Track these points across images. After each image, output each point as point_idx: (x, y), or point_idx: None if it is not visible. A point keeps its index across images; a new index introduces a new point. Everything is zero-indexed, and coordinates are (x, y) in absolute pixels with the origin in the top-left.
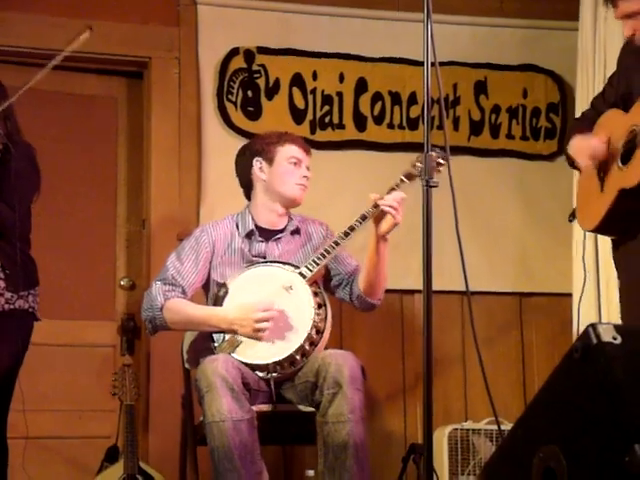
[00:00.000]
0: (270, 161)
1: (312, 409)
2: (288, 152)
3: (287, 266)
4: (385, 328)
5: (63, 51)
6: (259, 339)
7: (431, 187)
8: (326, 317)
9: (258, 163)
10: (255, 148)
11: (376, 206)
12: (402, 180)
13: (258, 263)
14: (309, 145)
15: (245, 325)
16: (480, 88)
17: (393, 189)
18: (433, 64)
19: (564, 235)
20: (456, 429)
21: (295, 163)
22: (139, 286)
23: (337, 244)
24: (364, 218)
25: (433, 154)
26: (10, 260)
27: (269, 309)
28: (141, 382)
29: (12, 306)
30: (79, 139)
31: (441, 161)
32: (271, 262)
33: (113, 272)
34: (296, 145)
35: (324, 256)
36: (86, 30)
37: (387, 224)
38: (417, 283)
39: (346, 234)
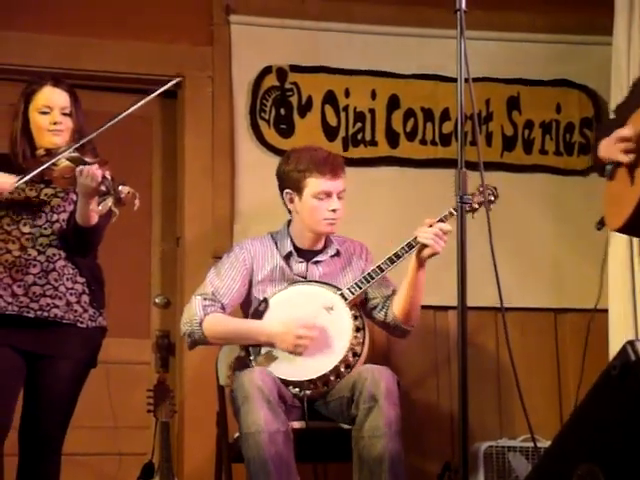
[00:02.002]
0: (299, 192)
1: (346, 426)
2: (315, 187)
3: (328, 286)
4: (418, 344)
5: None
6: (297, 354)
7: (465, 204)
8: (364, 341)
9: (288, 195)
10: (286, 175)
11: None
12: (451, 213)
13: (300, 281)
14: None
15: (286, 340)
16: (513, 104)
17: (441, 220)
18: (467, 80)
19: (598, 250)
20: (491, 446)
21: (322, 198)
22: (174, 304)
23: (381, 270)
24: (410, 247)
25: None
26: (93, 277)
27: (311, 327)
28: (175, 399)
29: (95, 323)
30: (114, 158)
31: (492, 198)
32: (314, 281)
33: (148, 290)
34: (323, 177)
35: (367, 280)
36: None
37: (425, 251)
38: (450, 299)
39: (391, 261)
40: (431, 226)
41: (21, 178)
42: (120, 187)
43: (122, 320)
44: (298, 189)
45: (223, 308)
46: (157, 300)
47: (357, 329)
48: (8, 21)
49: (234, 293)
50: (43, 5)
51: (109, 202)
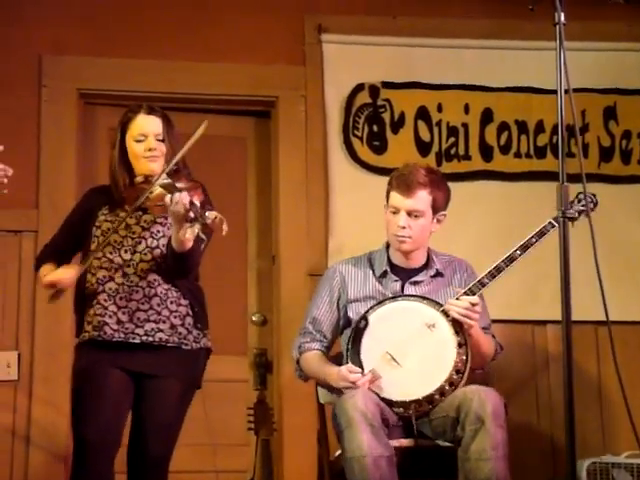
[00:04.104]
0: (387, 205)
1: (450, 444)
2: (390, 201)
3: (429, 302)
4: (516, 360)
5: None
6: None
7: (567, 218)
8: (467, 357)
9: (385, 209)
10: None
11: (526, 247)
12: (551, 224)
13: (400, 296)
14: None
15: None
16: (609, 114)
17: (543, 233)
18: (566, 92)
19: None
20: (594, 463)
21: (394, 213)
22: (270, 321)
23: (483, 285)
24: (512, 260)
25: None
26: (196, 299)
27: (354, 372)
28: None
29: (199, 345)
30: (210, 178)
31: (592, 206)
32: (414, 296)
33: (245, 308)
34: (397, 191)
35: (468, 296)
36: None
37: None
38: (548, 313)
39: (492, 275)
40: (458, 298)
41: (83, 262)
42: (207, 213)
43: (220, 338)
44: (387, 201)
45: (324, 337)
46: (254, 318)
47: (459, 345)
48: (106, 48)
49: (331, 318)
50: (139, 31)
51: (196, 228)
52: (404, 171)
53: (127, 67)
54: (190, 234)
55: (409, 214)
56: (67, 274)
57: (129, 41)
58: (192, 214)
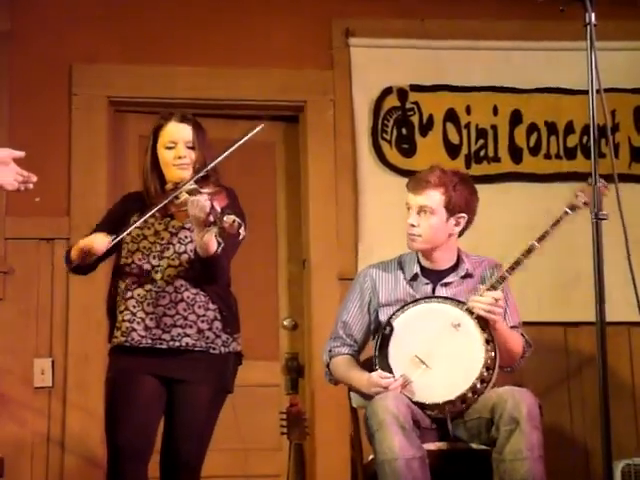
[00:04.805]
0: None
1: (485, 447)
2: (406, 200)
3: (452, 302)
4: (549, 362)
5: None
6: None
7: (600, 220)
8: (495, 354)
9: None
10: None
11: (541, 238)
12: (566, 212)
13: (422, 299)
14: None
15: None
16: None
17: (558, 221)
18: (597, 92)
19: None
20: (629, 464)
21: (408, 209)
22: (301, 326)
23: (504, 279)
24: (530, 251)
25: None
26: (225, 303)
27: (385, 377)
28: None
29: (228, 349)
30: (240, 183)
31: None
32: (436, 297)
33: (276, 312)
34: (411, 191)
35: (491, 291)
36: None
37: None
38: (581, 315)
39: (512, 268)
40: (481, 295)
41: (115, 237)
42: (225, 217)
43: (251, 343)
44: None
45: (355, 341)
46: (285, 323)
47: (487, 342)
48: (136, 56)
49: (362, 322)
50: (168, 39)
51: (213, 232)
52: (421, 172)
53: (156, 74)
54: (207, 237)
55: (419, 212)
56: (100, 240)
57: (158, 48)
58: (212, 218)
